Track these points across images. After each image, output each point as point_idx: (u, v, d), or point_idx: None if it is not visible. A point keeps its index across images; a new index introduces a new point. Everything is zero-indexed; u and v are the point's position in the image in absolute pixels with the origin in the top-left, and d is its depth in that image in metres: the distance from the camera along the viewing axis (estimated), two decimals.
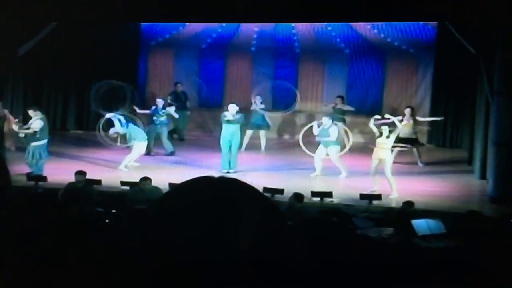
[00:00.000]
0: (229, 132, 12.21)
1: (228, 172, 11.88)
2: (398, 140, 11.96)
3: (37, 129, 11.62)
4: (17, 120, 12.54)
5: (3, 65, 13.60)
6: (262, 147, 14.79)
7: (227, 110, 12.45)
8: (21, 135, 11.78)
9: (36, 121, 11.70)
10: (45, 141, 11.79)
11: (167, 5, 11.32)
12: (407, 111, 13.76)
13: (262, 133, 14.92)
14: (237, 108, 12.40)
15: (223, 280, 1.02)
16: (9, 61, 13.83)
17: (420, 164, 13.52)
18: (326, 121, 12.35)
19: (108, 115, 13.02)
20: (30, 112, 11.92)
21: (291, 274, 1.07)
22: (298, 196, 9.26)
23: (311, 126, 12.72)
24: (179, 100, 15.48)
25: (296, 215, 8.41)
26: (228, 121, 12.17)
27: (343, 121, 15.18)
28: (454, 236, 7.64)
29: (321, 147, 12.23)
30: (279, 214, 1.13)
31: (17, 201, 1.57)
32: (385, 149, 11.07)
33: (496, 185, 10.92)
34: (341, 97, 15.59)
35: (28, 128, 11.70)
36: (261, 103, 14.97)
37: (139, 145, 12.48)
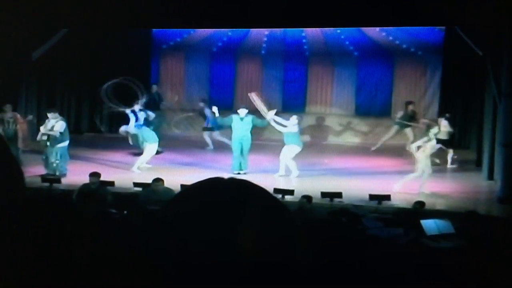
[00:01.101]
0: (240, 134, 12.36)
1: (239, 173, 12.02)
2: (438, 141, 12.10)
3: (61, 131, 11.95)
4: (29, 118, 12.86)
5: (17, 69, 13.80)
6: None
7: (237, 113, 12.62)
8: (44, 137, 12.00)
9: (59, 123, 12.01)
10: (68, 142, 12.12)
11: (178, 11, 11.46)
12: (447, 116, 13.82)
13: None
14: (247, 111, 12.56)
15: (233, 281, 1.03)
16: (23, 65, 14.02)
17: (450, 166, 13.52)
18: (293, 119, 12.44)
19: (127, 111, 13.04)
20: (50, 115, 12.18)
21: (300, 275, 1.08)
22: (306, 198, 9.39)
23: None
24: (153, 101, 15.61)
25: (306, 215, 8.53)
26: (242, 119, 12.36)
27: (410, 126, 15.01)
28: (460, 236, 7.71)
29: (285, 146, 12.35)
30: (288, 215, 1.13)
31: (32, 202, 1.52)
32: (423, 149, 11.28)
33: (504, 185, 10.95)
34: (412, 102, 15.31)
35: (50, 130, 11.97)
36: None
37: (151, 147, 12.64)
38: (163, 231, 1.08)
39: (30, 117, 13.65)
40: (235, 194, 1.10)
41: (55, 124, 11.99)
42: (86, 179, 10.26)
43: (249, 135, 12.43)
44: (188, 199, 1.12)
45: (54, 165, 11.82)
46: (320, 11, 11.30)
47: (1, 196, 1.42)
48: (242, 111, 12.50)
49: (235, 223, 1.05)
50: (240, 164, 12.37)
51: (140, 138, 12.86)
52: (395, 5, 11.38)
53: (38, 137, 12.19)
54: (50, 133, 11.93)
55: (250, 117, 12.54)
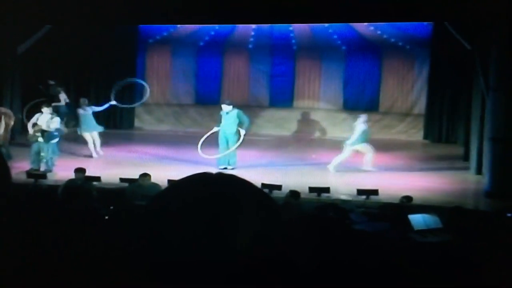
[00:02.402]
0: (225, 129, 12.27)
1: (225, 168, 11.95)
2: None
3: (58, 127, 12.08)
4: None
5: (2, 63, 13.68)
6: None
7: (221, 109, 12.53)
8: (38, 133, 11.91)
9: (55, 119, 12.12)
10: (58, 138, 12.20)
11: (164, 7, 11.35)
12: None
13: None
14: (230, 107, 12.42)
15: (220, 275, 1.03)
16: (8, 60, 13.90)
17: None
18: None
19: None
20: (45, 110, 12.17)
21: (288, 269, 1.07)
22: (294, 193, 9.32)
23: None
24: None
25: (293, 210, 8.49)
26: (227, 113, 12.27)
27: None
28: (447, 231, 7.72)
29: None
30: (276, 209, 1.13)
31: (18, 198, 1.58)
32: None
33: (492, 180, 10.97)
34: None
35: (47, 126, 11.97)
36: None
37: (87, 135, 13.37)
38: (150, 227, 1.07)
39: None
40: (223, 188, 1.09)
41: (51, 120, 12.02)
42: (71, 175, 10.18)
43: (235, 130, 12.32)
44: (175, 194, 1.11)
45: (45, 160, 11.83)
46: (308, 7, 11.22)
47: None
48: (226, 107, 12.41)
49: (224, 218, 1.04)
50: (228, 159, 12.30)
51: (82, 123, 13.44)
52: (384, 0, 11.34)
53: (31, 132, 12.11)
54: (48, 129, 11.96)
55: (235, 111, 12.44)
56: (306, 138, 16.40)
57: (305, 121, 17.14)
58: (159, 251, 1.04)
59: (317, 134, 16.90)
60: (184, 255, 1.02)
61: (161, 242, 1.04)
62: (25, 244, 1.41)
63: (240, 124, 12.39)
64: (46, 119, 12.01)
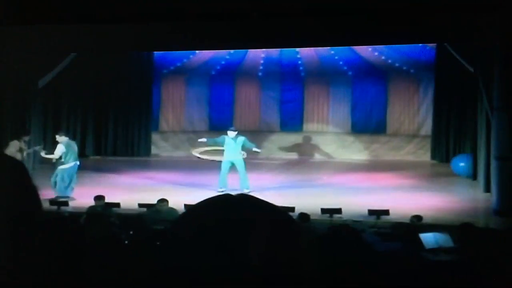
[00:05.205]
0: (231, 154, 12.55)
1: (223, 191, 12.19)
2: None
3: (58, 155, 12.18)
4: (36, 148, 13.23)
5: (25, 97, 14.11)
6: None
7: (227, 135, 12.88)
8: (53, 161, 12.30)
9: (57, 146, 12.24)
10: (71, 164, 12.28)
11: (179, 34, 11.76)
12: None
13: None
14: (235, 132, 12.74)
15: None
16: (30, 93, 14.34)
17: None
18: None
19: None
20: (57, 138, 12.40)
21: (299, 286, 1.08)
22: (303, 216, 9.53)
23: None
24: None
25: (305, 232, 8.68)
26: (234, 140, 12.63)
27: None
28: (458, 249, 7.86)
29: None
30: (295, 227, 1.14)
31: (47, 225, 1.57)
32: None
33: (500, 198, 11.07)
34: None
35: (48, 153, 12.30)
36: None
37: None
38: (173, 249, 1.08)
39: (37, 147, 13.89)
40: (245, 210, 1.10)
41: (57, 148, 12.23)
42: (92, 202, 10.50)
43: (240, 154, 12.64)
44: (198, 216, 1.12)
45: (53, 185, 12.03)
46: (314, 31, 11.52)
47: (21, 218, 1.44)
48: (231, 133, 12.77)
49: (245, 239, 1.05)
50: (242, 183, 12.58)
51: None
52: (387, 24, 11.61)
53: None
54: (48, 156, 12.24)
55: (242, 138, 12.79)
56: (316, 161, 16.69)
57: (315, 144, 17.44)
58: (181, 273, 1.04)
59: (326, 156, 17.17)
60: (210, 276, 1.02)
61: (184, 265, 1.04)
62: (53, 269, 1.45)
63: (244, 148, 12.78)
64: (57, 147, 12.25)
